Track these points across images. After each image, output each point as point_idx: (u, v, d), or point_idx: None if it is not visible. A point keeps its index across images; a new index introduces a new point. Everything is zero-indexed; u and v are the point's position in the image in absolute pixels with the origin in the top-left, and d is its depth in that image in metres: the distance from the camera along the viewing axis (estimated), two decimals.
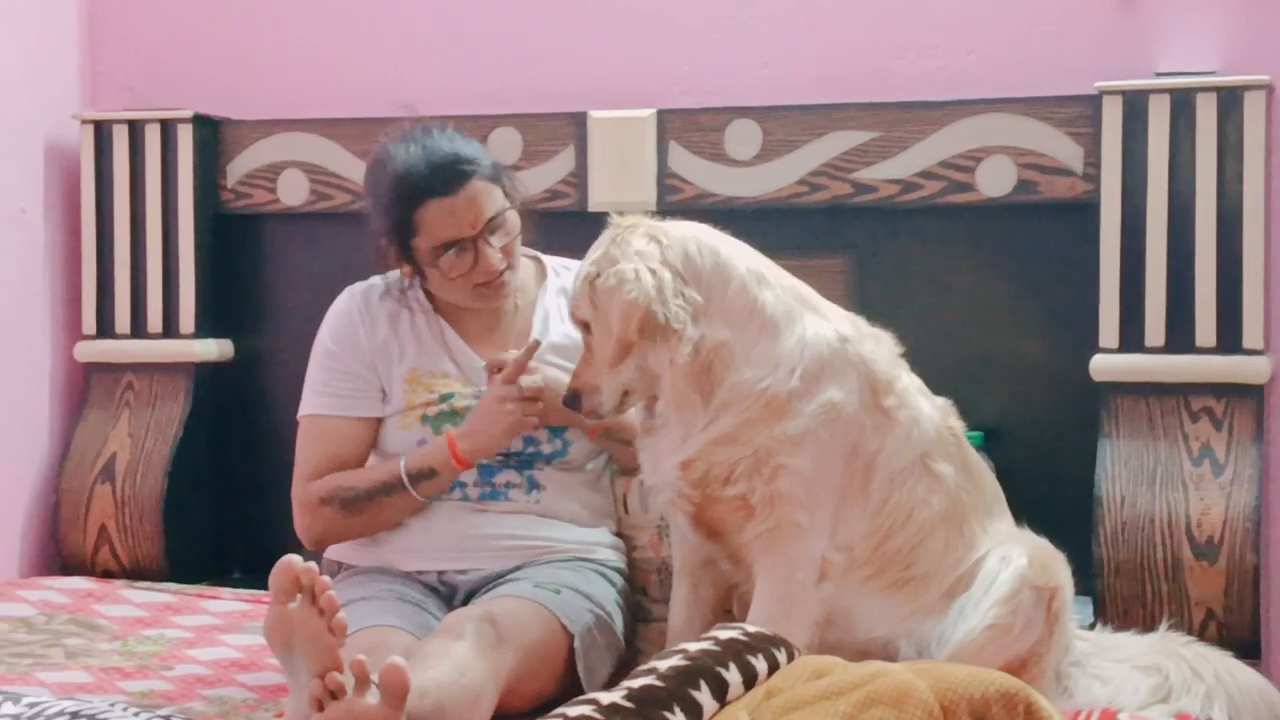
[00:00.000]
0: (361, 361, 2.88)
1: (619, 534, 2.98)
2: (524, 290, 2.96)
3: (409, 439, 2.85)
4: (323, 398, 2.89)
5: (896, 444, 2.57)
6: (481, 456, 2.79)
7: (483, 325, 2.91)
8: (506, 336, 2.92)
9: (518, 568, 2.80)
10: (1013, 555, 2.57)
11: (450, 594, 2.81)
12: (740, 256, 2.60)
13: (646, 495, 2.89)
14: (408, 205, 2.76)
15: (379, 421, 2.89)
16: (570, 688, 2.62)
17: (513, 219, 2.83)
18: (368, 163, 2.90)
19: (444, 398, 2.85)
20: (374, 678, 2.19)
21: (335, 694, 2.19)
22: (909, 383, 2.64)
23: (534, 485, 2.86)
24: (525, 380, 2.75)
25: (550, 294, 2.96)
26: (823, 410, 2.52)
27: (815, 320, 2.58)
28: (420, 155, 2.76)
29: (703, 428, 2.55)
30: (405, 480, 2.78)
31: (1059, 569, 2.62)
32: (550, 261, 3.00)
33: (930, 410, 2.63)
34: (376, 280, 2.97)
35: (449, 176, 2.74)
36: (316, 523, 2.85)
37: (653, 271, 2.51)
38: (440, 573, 2.82)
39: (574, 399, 2.63)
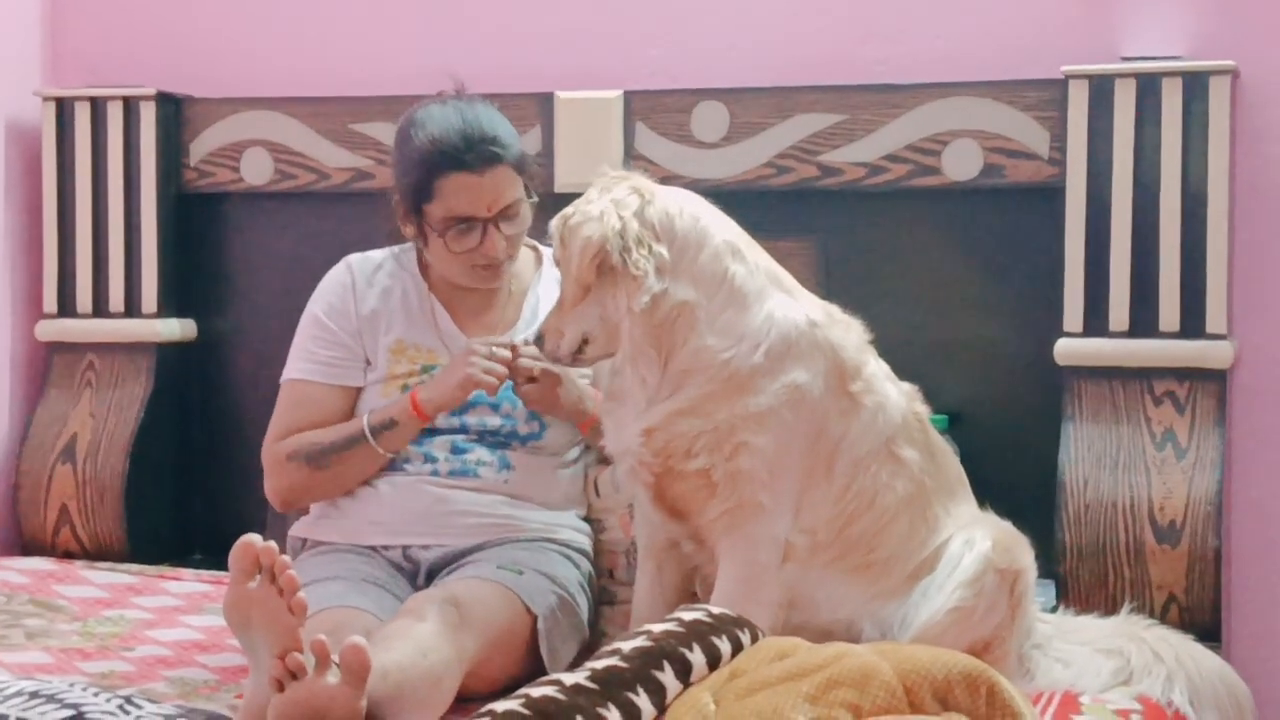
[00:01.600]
0: (348, 331, 2.89)
1: (588, 519, 2.98)
2: (519, 277, 2.97)
3: None
4: (306, 364, 2.89)
5: (862, 429, 2.57)
6: (439, 408, 2.78)
7: (474, 307, 2.92)
8: (496, 321, 2.93)
9: (480, 546, 2.80)
10: (976, 538, 2.58)
11: (414, 571, 2.81)
12: (721, 228, 2.60)
13: (614, 470, 2.89)
14: (431, 170, 2.75)
15: (359, 391, 2.90)
16: (533, 669, 2.62)
17: (526, 212, 2.84)
18: (404, 117, 2.88)
19: (426, 369, 2.86)
20: (334, 658, 2.18)
21: (295, 674, 2.18)
22: (876, 369, 2.64)
23: (505, 465, 2.86)
24: (497, 349, 2.75)
25: (544, 282, 2.97)
26: (786, 391, 2.52)
27: (785, 300, 2.58)
28: (458, 125, 2.75)
29: (666, 396, 2.55)
30: (367, 431, 2.79)
31: (1022, 552, 2.63)
32: (547, 251, 2.97)
33: (896, 396, 2.63)
34: (373, 253, 2.98)
35: (479, 155, 2.74)
36: (283, 479, 2.85)
37: (620, 217, 2.51)
38: (405, 548, 2.82)
39: (539, 340, 2.67)
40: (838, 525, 2.57)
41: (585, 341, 2.62)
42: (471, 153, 2.74)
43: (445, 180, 2.75)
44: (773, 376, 2.52)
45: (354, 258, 2.97)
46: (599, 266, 2.52)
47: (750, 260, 2.58)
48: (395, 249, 2.97)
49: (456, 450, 2.85)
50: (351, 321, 2.89)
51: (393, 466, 2.85)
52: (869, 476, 2.56)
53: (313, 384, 2.88)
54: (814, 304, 2.63)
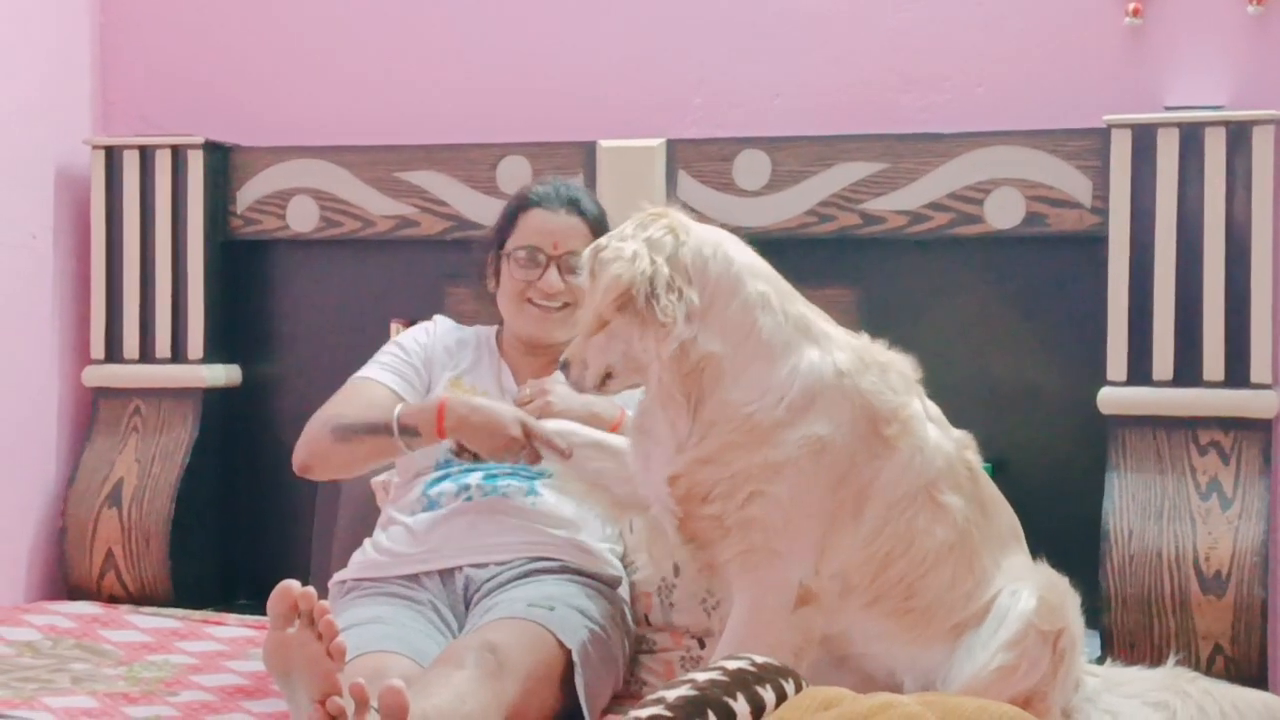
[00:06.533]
0: (419, 358, 3.10)
1: (623, 559, 3.02)
2: None
3: None
4: (372, 366, 3.07)
5: (897, 471, 2.55)
6: (461, 437, 2.84)
7: (535, 373, 3.04)
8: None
9: (512, 563, 2.86)
10: (1023, 595, 2.54)
11: (453, 599, 2.87)
12: (755, 275, 2.59)
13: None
14: (518, 207, 3.08)
15: None
16: (570, 706, 2.67)
17: None
18: None
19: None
20: (374, 702, 2.19)
21: (335, 718, 2.19)
22: (919, 410, 2.60)
23: (533, 492, 2.97)
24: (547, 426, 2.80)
25: None
26: (806, 442, 2.50)
27: (813, 352, 2.56)
28: (551, 185, 3.11)
29: (693, 445, 2.56)
30: (395, 428, 2.86)
31: (1068, 610, 2.59)
32: None
33: (939, 439, 2.60)
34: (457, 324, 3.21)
35: (561, 200, 3.06)
36: (308, 442, 2.96)
37: (653, 260, 2.52)
38: (442, 572, 2.89)
39: (564, 367, 2.69)
40: (872, 569, 2.55)
41: (609, 374, 2.64)
42: (554, 197, 3.06)
43: (525, 215, 3.05)
44: (793, 428, 2.51)
45: (440, 317, 3.21)
46: (620, 305, 2.54)
47: (779, 310, 2.57)
48: (479, 328, 3.17)
49: (490, 479, 2.96)
50: (424, 351, 3.10)
51: (429, 504, 2.96)
52: (904, 520, 2.54)
53: (372, 381, 3.03)
54: (846, 350, 2.60)
